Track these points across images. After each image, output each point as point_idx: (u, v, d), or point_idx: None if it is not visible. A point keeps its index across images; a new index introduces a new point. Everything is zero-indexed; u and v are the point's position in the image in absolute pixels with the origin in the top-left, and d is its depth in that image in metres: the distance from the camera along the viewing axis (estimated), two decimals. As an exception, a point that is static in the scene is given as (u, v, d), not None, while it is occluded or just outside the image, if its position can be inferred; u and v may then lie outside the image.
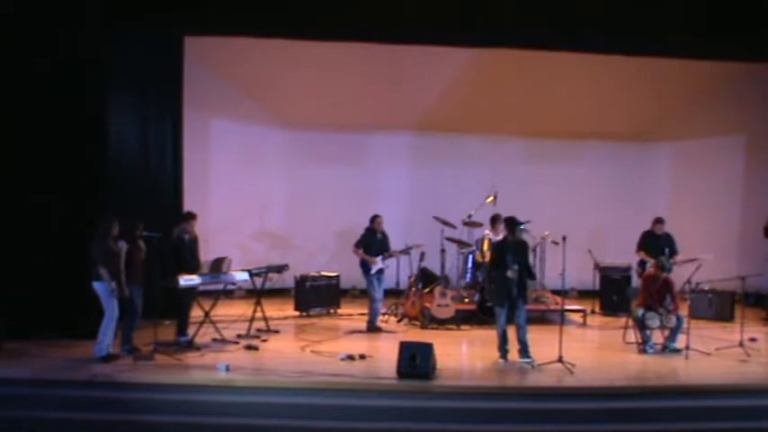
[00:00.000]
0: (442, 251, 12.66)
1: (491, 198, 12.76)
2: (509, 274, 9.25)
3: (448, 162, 14.46)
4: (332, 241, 14.14)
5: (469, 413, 8.15)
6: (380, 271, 11.29)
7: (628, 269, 12.72)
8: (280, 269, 11.36)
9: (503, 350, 9.49)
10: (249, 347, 9.90)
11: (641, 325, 9.97)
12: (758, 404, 8.39)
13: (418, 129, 14.47)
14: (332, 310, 12.58)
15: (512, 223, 9.57)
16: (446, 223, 12.62)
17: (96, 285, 8.99)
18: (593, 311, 12.60)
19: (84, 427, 7.94)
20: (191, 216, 10.21)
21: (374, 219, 11.34)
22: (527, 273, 9.53)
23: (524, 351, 9.40)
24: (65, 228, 10.03)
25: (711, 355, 9.76)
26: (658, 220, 11.80)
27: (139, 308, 9.49)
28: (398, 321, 11.84)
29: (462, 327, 11.44)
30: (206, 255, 10.49)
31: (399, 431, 8.01)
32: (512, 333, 9.48)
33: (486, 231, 12.31)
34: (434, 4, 10.81)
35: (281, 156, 14.32)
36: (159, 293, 9.96)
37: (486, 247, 12.08)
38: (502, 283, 9.39)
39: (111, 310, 9.00)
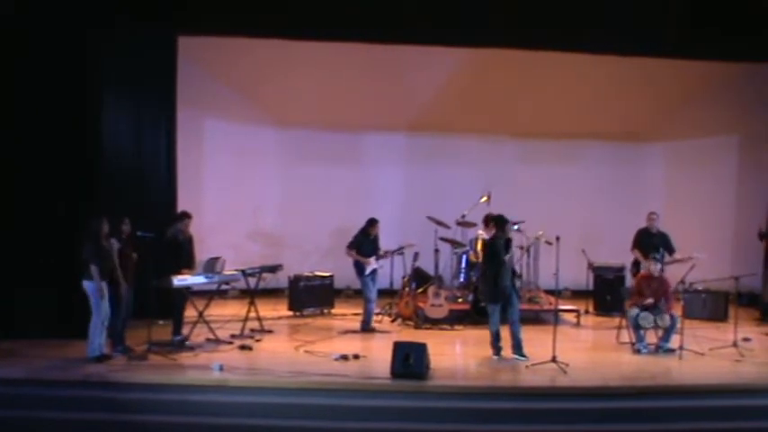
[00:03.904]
0: (436, 251, 12.65)
1: (485, 198, 12.78)
2: (506, 258, 9.41)
3: (442, 162, 14.46)
4: (326, 241, 14.09)
5: (463, 413, 8.15)
6: (374, 271, 11.27)
7: (621, 269, 12.71)
8: (274, 269, 11.34)
9: (496, 347, 9.57)
10: (243, 347, 9.88)
11: (635, 325, 9.99)
12: (751, 404, 8.41)
13: (412, 128, 14.46)
14: (326, 310, 12.57)
15: (501, 221, 9.68)
16: (440, 223, 12.61)
17: (87, 285, 8.95)
18: (586, 311, 12.60)
19: (78, 428, 7.92)
20: (186, 216, 10.18)
21: (373, 223, 11.27)
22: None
23: (518, 347, 9.46)
24: (63, 228, 9.98)
25: (705, 355, 9.77)
26: (651, 214, 11.82)
27: (129, 307, 9.47)
28: (392, 321, 11.83)
29: (456, 327, 11.44)
30: (200, 255, 10.47)
31: (393, 431, 8.01)
32: (503, 332, 9.55)
33: (480, 231, 12.33)
34: (432, 3, 10.81)
35: (275, 155, 14.31)
36: (153, 293, 9.93)
37: (479, 247, 12.08)
38: (495, 281, 9.47)
39: (99, 309, 8.96)
